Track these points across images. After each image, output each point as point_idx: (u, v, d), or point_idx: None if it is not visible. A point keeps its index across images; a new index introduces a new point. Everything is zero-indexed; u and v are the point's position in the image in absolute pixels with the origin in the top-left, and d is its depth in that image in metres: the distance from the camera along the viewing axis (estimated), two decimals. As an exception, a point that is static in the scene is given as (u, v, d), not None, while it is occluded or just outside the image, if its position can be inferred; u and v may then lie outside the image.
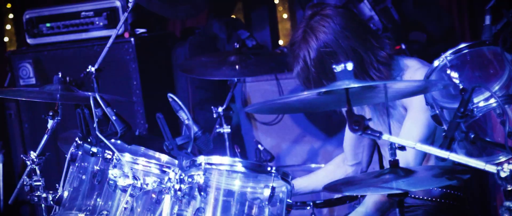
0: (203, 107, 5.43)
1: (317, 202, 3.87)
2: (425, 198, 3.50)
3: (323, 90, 2.57)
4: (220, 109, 4.81)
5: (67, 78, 4.49)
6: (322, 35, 3.22)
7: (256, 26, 6.38)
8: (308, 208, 3.86)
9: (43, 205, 3.72)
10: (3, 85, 5.83)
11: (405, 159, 3.20)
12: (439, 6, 5.57)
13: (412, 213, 3.48)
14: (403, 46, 5.32)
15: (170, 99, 2.84)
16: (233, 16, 6.27)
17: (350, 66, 2.58)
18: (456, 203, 3.51)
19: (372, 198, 3.32)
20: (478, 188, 4.79)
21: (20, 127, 5.50)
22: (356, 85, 2.55)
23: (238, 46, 4.71)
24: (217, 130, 4.84)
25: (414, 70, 3.30)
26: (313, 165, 5.01)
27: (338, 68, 2.59)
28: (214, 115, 4.83)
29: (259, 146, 4.99)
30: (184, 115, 2.85)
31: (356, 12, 3.34)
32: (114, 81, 5.13)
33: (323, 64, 3.23)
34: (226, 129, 4.82)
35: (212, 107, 4.82)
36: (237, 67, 4.69)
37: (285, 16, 6.37)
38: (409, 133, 3.25)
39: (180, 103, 2.82)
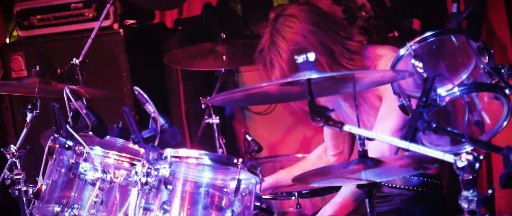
0: (194, 98, 5.41)
1: (303, 192, 3.86)
2: (403, 187, 3.48)
3: (285, 81, 2.55)
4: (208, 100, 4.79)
5: (58, 70, 4.53)
6: (289, 35, 3.21)
7: (251, 15, 6.35)
8: (293, 198, 3.84)
9: (24, 199, 3.74)
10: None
11: (379, 149, 3.18)
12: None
13: (390, 202, 3.46)
14: (396, 34, 5.27)
15: (136, 92, 2.82)
16: (228, 5, 6.25)
17: (311, 56, 2.55)
18: (434, 191, 3.48)
19: (348, 188, 3.30)
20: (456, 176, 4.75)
21: (13, 119, 5.52)
22: (317, 76, 2.52)
23: (224, 36, 4.68)
24: (206, 121, 4.83)
25: (388, 59, 3.27)
26: (306, 155, 4.99)
27: (300, 58, 2.56)
28: (203, 106, 4.82)
29: (247, 136, 4.98)
30: (150, 108, 2.84)
31: (318, 7, 3.31)
32: (103, 73, 5.13)
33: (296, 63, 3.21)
34: (215, 120, 4.81)
35: (201, 98, 4.81)
36: (224, 57, 4.67)
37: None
38: (384, 122, 3.23)
39: (145, 96, 2.80)
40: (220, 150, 4.61)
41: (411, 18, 5.50)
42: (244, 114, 5.71)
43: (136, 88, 2.83)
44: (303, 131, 5.46)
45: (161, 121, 2.85)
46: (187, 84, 5.53)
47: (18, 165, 3.72)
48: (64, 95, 3.16)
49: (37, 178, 3.48)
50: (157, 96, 4.78)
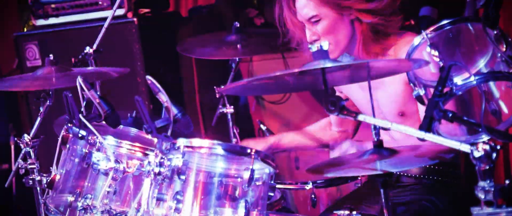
0: (208, 87, 5.39)
1: (318, 182, 3.83)
2: (421, 176, 3.45)
3: (298, 70, 2.52)
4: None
5: (72, 60, 4.51)
6: None
7: (266, 3, 6.31)
8: (308, 188, 3.81)
9: (38, 188, 3.74)
10: (12, 67, 5.87)
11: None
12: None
13: (409, 192, 3.43)
14: (413, 22, 5.22)
15: (149, 82, 2.80)
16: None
17: (325, 45, 2.52)
18: (453, 180, 3.45)
19: None
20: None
21: (28, 108, 5.52)
22: (331, 65, 2.49)
23: (238, 25, 4.65)
24: (220, 111, 4.80)
25: (404, 43, 3.24)
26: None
27: (314, 47, 2.53)
28: (217, 96, 4.79)
29: (262, 126, 4.95)
30: (163, 97, 2.81)
31: None
32: (117, 62, 5.06)
33: None
34: (229, 110, 4.78)
35: (215, 87, 4.78)
36: (238, 46, 4.64)
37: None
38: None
39: (158, 85, 2.78)
40: (234, 140, 4.58)
41: (427, 6, 5.44)
42: (259, 103, 5.68)
43: (148, 77, 2.81)
44: (318, 120, 5.42)
45: (174, 110, 2.83)
46: (201, 73, 5.51)
47: (32, 154, 3.71)
48: (77, 84, 3.14)
49: (51, 167, 3.48)
50: (171, 85, 4.76)
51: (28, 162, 3.70)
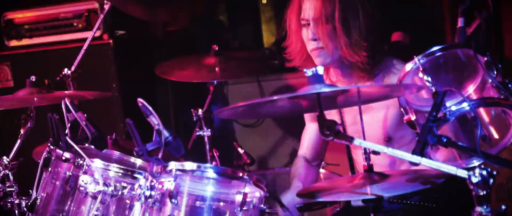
0: (183, 110, 5.37)
1: (297, 206, 3.82)
2: (404, 201, 3.46)
3: (294, 95, 2.53)
4: (200, 112, 4.76)
5: (45, 81, 4.47)
6: None
7: (239, 27, 6.34)
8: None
9: (16, 212, 3.67)
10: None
11: None
12: (426, 6, 5.53)
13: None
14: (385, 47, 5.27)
15: (140, 104, 2.78)
16: (217, 17, 6.23)
17: (321, 70, 2.54)
18: (435, 205, 3.47)
19: None
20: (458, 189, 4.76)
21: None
22: (328, 90, 2.51)
23: (217, 48, 4.65)
24: (197, 133, 4.79)
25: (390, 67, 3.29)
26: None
27: (309, 72, 2.55)
28: (194, 118, 4.78)
29: (239, 149, 4.95)
30: (154, 120, 2.80)
31: None
32: (93, 84, 5.05)
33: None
34: (206, 133, 4.77)
35: (192, 110, 4.77)
36: (216, 69, 4.64)
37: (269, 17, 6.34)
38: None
39: (150, 108, 2.76)
40: (213, 163, 4.57)
41: (402, 31, 5.52)
42: (233, 126, 5.68)
43: (140, 100, 2.79)
44: (293, 143, 5.44)
45: (165, 133, 2.81)
46: (176, 95, 5.49)
47: (11, 177, 3.65)
48: (63, 106, 3.11)
49: (30, 190, 3.42)
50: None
51: (7, 185, 3.64)
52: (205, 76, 4.67)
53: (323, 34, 3.29)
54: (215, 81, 4.76)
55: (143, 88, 5.36)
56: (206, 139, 4.75)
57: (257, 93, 5.45)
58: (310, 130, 3.69)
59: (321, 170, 4.49)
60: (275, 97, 2.47)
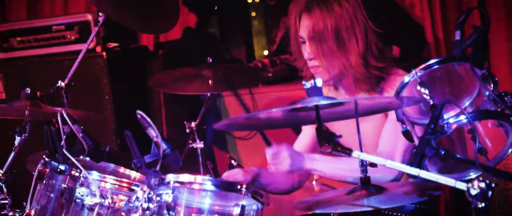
0: (176, 122, 5.38)
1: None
2: (397, 214, 3.47)
3: (293, 107, 2.53)
4: (193, 124, 4.76)
5: (37, 93, 4.46)
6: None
7: (231, 39, 6.36)
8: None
9: (10, 224, 3.66)
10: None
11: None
12: (413, 20, 5.56)
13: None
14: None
15: (139, 116, 2.78)
16: (208, 30, 6.25)
17: (319, 82, 2.55)
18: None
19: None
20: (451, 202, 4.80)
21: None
22: (326, 102, 2.51)
23: (211, 61, 4.66)
24: (190, 146, 4.79)
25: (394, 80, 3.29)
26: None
27: (308, 84, 2.56)
28: (187, 130, 4.79)
29: (232, 161, 4.94)
30: (153, 132, 2.79)
31: None
32: (85, 96, 5.06)
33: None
34: (199, 145, 4.78)
35: (185, 122, 4.77)
36: (210, 81, 4.65)
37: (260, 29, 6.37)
38: (390, 138, 3.21)
39: (149, 120, 2.76)
40: (207, 175, 4.56)
41: (390, 45, 5.55)
42: (225, 139, 5.68)
43: (138, 112, 2.79)
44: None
45: (163, 146, 2.81)
46: (169, 108, 5.49)
47: (4, 189, 3.64)
48: (59, 118, 3.10)
49: (24, 203, 3.41)
50: (138, 119, 4.74)
51: (0, 197, 3.62)
52: (198, 88, 4.67)
53: (317, 53, 3.27)
54: (208, 94, 4.76)
55: (136, 100, 5.36)
56: (199, 151, 4.76)
57: (250, 105, 5.45)
58: (308, 130, 3.66)
59: (313, 183, 4.49)
60: (274, 109, 2.48)
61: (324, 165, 3.25)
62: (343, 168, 3.24)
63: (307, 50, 3.28)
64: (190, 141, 4.78)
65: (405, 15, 5.51)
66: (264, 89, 5.54)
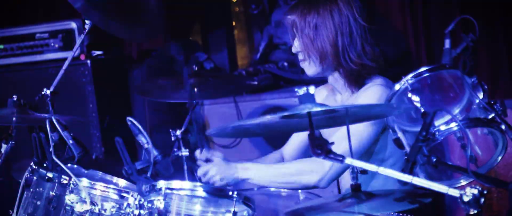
0: (160, 130, 5.36)
1: None
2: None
3: (285, 114, 2.55)
4: (178, 132, 4.75)
5: (22, 101, 4.42)
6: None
7: (214, 48, 6.36)
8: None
9: (-4, 232, 3.63)
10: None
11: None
12: (394, 29, 5.60)
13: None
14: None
15: (129, 123, 2.78)
16: (191, 38, 6.25)
17: (312, 89, 2.56)
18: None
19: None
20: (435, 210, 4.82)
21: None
22: (319, 109, 2.53)
23: (196, 69, 4.66)
24: (175, 154, 4.77)
25: (372, 85, 3.31)
26: (272, 189, 4.97)
27: (301, 91, 2.57)
28: (172, 138, 4.77)
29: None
30: (143, 139, 2.80)
31: None
32: (70, 103, 5.03)
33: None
34: (184, 153, 4.76)
35: (170, 130, 4.76)
36: (195, 89, 4.64)
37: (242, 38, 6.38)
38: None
39: (139, 126, 2.76)
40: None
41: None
42: (209, 147, 5.67)
43: (129, 118, 2.79)
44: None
45: (154, 152, 2.81)
46: (153, 115, 5.48)
47: (-10, 197, 3.61)
48: (47, 125, 3.09)
49: (10, 211, 3.38)
50: (121, 127, 4.73)
51: (-14, 205, 3.60)
52: (183, 96, 4.67)
53: (301, 47, 3.34)
54: (194, 101, 4.76)
55: (120, 108, 5.34)
56: (184, 159, 4.74)
57: (234, 114, 5.45)
58: (299, 133, 3.67)
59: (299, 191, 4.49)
60: (268, 116, 2.49)
61: (255, 173, 3.32)
62: (272, 174, 3.32)
63: (294, 44, 3.34)
64: (175, 149, 4.77)
65: (386, 23, 5.55)
66: (249, 98, 5.55)
